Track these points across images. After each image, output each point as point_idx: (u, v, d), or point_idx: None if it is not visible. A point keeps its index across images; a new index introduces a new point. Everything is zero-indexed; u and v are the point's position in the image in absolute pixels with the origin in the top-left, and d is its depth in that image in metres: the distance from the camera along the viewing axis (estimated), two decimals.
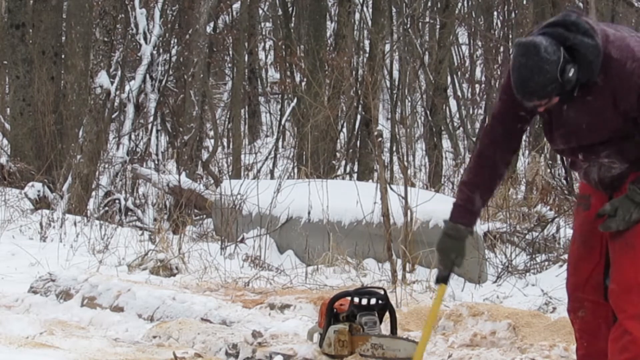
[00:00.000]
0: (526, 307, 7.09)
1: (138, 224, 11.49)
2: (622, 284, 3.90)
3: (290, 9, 19.51)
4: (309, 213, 9.22)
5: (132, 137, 13.57)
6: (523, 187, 13.24)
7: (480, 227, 9.19)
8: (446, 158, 17.58)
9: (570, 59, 3.70)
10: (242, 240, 9.54)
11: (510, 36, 19.89)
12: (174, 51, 15.05)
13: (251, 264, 9.01)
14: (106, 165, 12.37)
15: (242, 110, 19.81)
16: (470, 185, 4.17)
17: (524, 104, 3.85)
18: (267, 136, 21.46)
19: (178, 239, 9.36)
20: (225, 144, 18.92)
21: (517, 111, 4.03)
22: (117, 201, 11.81)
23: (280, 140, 18.41)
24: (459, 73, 23.12)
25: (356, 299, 5.27)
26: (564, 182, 12.15)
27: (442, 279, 4.22)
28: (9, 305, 6.86)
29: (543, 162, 13.78)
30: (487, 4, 21.90)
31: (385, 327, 5.40)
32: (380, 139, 8.65)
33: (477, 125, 20.24)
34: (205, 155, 15.76)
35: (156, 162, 13.71)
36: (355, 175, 15.17)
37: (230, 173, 15.24)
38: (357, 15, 18.99)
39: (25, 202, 11.37)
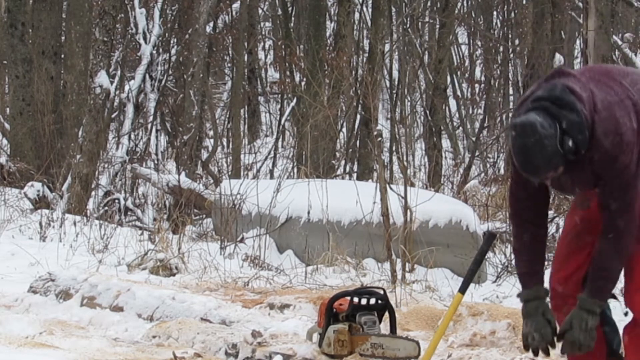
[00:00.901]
0: None
1: (138, 223, 11.49)
2: (637, 283, 4.01)
3: (290, 9, 19.51)
4: (308, 213, 9.22)
5: (132, 136, 13.57)
6: None
7: (480, 227, 9.19)
8: (446, 158, 17.58)
9: (565, 130, 3.75)
10: (241, 240, 9.54)
11: (510, 36, 19.90)
12: (173, 51, 15.04)
13: (251, 264, 9.01)
14: (106, 165, 12.37)
15: (242, 110, 19.80)
16: (522, 253, 4.17)
17: (531, 179, 3.89)
18: (266, 136, 21.46)
19: (178, 238, 9.36)
20: (224, 143, 18.91)
21: (534, 195, 4.07)
22: (116, 201, 11.80)
23: (280, 140, 18.41)
24: (458, 73, 23.12)
25: (355, 299, 5.27)
26: None
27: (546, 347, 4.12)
28: (8, 305, 6.86)
29: None
30: (486, 3, 21.89)
31: (384, 327, 5.40)
32: (379, 138, 8.65)
33: (477, 125, 20.25)
34: (204, 155, 15.76)
35: (156, 161, 13.71)
36: (354, 175, 15.17)
37: (229, 173, 15.23)
38: (357, 15, 18.99)
39: (24, 201, 11.36)
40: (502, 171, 15.97)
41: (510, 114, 4.13)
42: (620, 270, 4.01)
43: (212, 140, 17.20)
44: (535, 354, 4.11)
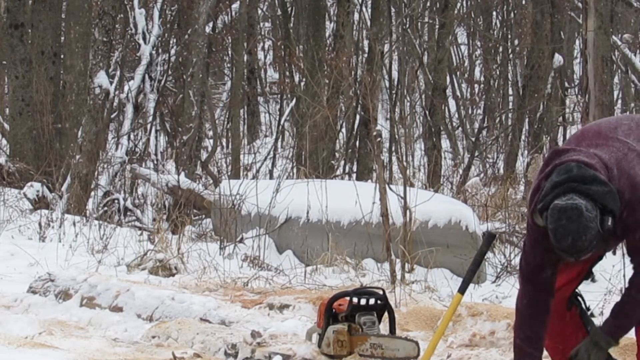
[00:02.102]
0: None
1: (137, 224, 11.49)
2: None
3: (289, 9, 19.51)
4: (307, 213, 9.22)
5: (131, 137, 13.56)
6: (522, 187, 13.25)
7: (479, 227, 9.19)
8: (445, 158, 17.58)
9: (604, 207, 3.79)
10: (241, 240, 9.54)
11: (509, 36, 19.92)
12: (173, 51, 15.04)
13: (250, 264, 9.01)
14: (105, 165, 12.36)
15: (241, 110, 19.79)
16: (528, 353, 4.14)
17: (567, 260, 3.90)
18: (266, 136, 21.46)
19: (177, 239, 9.35)
20: (224, 144, 18.91)
21: (546, 265, 4.06)
22: (116, 201, 11.80)
23: (279, 140, 18.40)
24: (458, 73, 23.13)
25: (355, 299, 5.27)
26: None
27: None
28: (8, 305, 6.86)
29: (542, 162, 13.78)
30: (486, 4, 21.90)
31: (384, 327, 5.40)
32: (379, 139, 8.64)
33: (476, 125, 20.26)
34: (204, 155, 15.75)
35: (155, 162, 13.70)
36: (354, 175, 15.17)
37: (229, 173, 15.23)
38: (356, 16, 18.99)
39: (24, 202, 11.36)
40: (501, 171, 15.99)
41: (535, 202, 4.02)
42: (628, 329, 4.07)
43: (211, 141, 17.20)
44: None
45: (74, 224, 10.21)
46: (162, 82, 14.28)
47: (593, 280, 7.13)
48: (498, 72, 20.48)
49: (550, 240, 3.81)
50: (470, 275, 4.63)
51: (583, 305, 4.32)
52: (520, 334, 4.12)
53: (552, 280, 4.08)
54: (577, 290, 4.32)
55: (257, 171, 15.86)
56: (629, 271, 4.11)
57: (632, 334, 4.24)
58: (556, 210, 3.77)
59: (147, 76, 13.77)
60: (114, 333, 6.24)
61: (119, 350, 5.71)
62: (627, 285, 4.04)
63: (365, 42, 18.96)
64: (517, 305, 4.14)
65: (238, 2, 17.58)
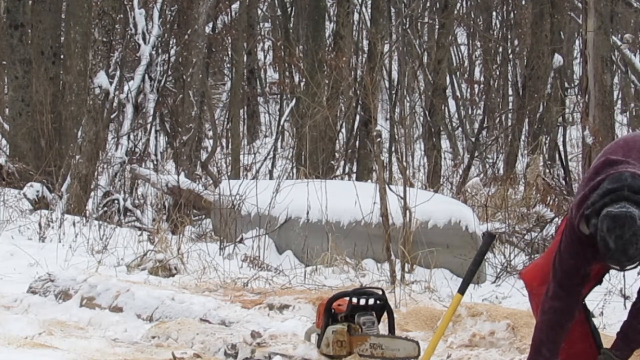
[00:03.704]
0: (525, 308, 7.07)
1: (137, 224, 11.49)
2: None
3: (289, 10, 19.51)
4: (307, 213, 9.21)
5: (131, 137, 13.55)
6: (522, 188, 13.25)
7: (479, 227, 9.20)
8: (445, 158, 17.59)
9: None
10: (241, 241, 9.54)
11: (509, 36, 19.91)
12: (172, 51, 15.04)
13: (250, 264, 9.01)
14: (105, 166, 12.35)
15: (241, 111, 19.80)
16: (546, 356, 4.17)
17: (614, 268, 3.91)
18: (266, 136, 21.46)
19: (177, 239, 9.36)
20: (224, 144, 18.92)
21: (581, 274, 4.08)
22: (116, 201, 11.80)
23: (279, 140, 18.40)
24: (457, 73, 23.13)
25: (354, 299, 5.26)
26: (563, 182, 12.16)
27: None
28: (7, 306, 6.86)
29: (542, 162, 13.80)
30: (486, 4, 21.90)
31: (383, 328, 5.39)
32: (379, 139, 8.65)
33: (476, 125, 20.26)
34: (204, 155, 15.76)
35: (155, 162, 13.69)
36: (354, 176, 15.17)
37: (229, 173, 15.24)
38: (356, 16, 19.00)
39: (24, 202, 11.36)
40: (501, 171, 15.98)
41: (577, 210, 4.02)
42: None
43: (211, 141, 17.21)
44: None
45: (74, 224, 10.21)
46: (162, 82, 14.28)
47: None
48: (498, 73, 20.48)
49: (592, 250, 3.83)
50: (470, 276, 4.64)
51: (589, 312, 4.33)
52: (542, 335, 4.14)
53: (583, 288, 4.12)
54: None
55: (257, 171, 15.86)
56: (629, 272, 4.12)
57: None
58: (609, 217, 3.78)
59: (147, 76, 13.76)
60: (113, 333, 6.23)
61: (119, 350, 5.71)
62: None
63: (365, 43, 18.96)
64: (545, 307, 4.14)
65: (238, 3, 17.60)
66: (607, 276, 4.88)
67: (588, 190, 3.97)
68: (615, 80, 19.95)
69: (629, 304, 6.50)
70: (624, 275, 7.29)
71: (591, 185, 3.97)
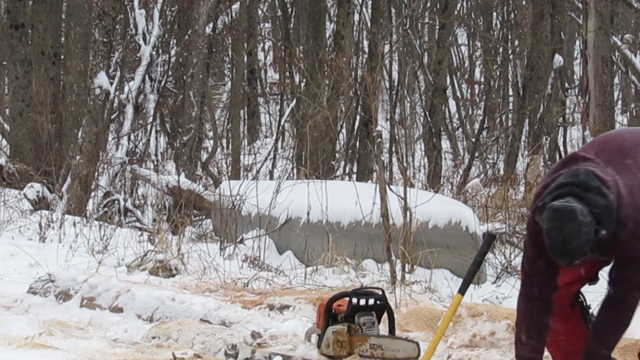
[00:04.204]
0: None
1: (137, 224, 11.49)
2: None
3: (290, 10, 19.51)
4: (308, 214, 9.22)
5: (131, 137, 13.56)
6: (522, 188, 13.25)
7: (479, 228, 9.19)
8: (445, 159, 17.59)
9: (598, 217, 3.79)
10: (241, 241, 9.54)
11: (510, 37, 19.91)
12: (173, 52, 15.04)
13: (250, 265, 9.01)
14: (105, 166, 12.36)
15: (242, 111, 19.80)
16: (529, 344, 4.16)
17: (560, 264, 3.92)
18: (266, 137, 21.46)
19: (177, 239, 9.36)
20: (224, 144, 18.91)
21: (545, 262, 4.06)
22: (116, 202, 11.80)
23: (280, 140, 18.41)
24: (458, 74, 23.13)
25: (354, 300, 5.26)
26: None
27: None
28: (8, 306, 6.86)
29: (542, 163, 13.80)
30: (486, 4, 21.91)
31: (383, 328, 5.39)
32: (379, 139, 8.65)
33: (476, 125, 20.26)
34: (204, 155, 15.75)
35: (155, 162, 13.70)
36: (354, 176, 15.17)
37: (229, 174, 15.23)
38: (357, 16, 18.99)
39: (24, 202, 11.36)
40: (501, 172, 15.98)
41: (539, 201, 4.07)
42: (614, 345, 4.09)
43: (211, 141, 17.20)
44: None
45: (74, 224, 10.21)
46: (162, 82, 14.28)
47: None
48: (498, 73, 20.47)
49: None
50: (471, 276, 4.64)
51: (585, 304, 4.33)
52: (521, 327, 4.15)
53: (553, 277, 4.08)
54: (580, 292, 4.32)
55: (258, 172, 15.86)
56: None
57: (632, 334, 4.25)
58: (551, 210, 3.79)
59: (147, 77, 13.77)
60: (114, 333, 6.24)
61: (119, 350, 5.71)
62: (604, 309, 4.04)
63: (366, 43, 18.95)
64: (518, 299, 4.17)
65: (238, 3, 17.59)
66: (606, 275, 4.84)
67: (548, 181, 3.98)
68: (616, 80, 19.96)
69: None
70: None
71: (553, 177, 3.98)
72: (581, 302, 4.34)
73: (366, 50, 18.20)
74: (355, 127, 16.14)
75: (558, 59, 15.42)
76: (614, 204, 3.82)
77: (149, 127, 14.19)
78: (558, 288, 4.17)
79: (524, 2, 19.41)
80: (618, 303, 3.99)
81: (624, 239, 3.87)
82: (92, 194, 11.85)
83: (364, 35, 19.76)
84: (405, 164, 10.92)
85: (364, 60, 17.40)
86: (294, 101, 16.47)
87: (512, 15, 20.00)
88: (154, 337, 5.99)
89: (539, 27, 15.88)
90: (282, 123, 17.75)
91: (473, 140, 18.38)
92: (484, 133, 18.94)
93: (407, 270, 8.31)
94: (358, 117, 15.87)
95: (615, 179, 3.89)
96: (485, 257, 8.82)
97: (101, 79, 12.08)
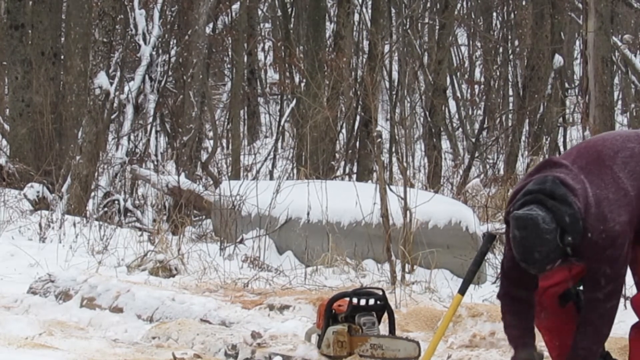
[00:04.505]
0: None
1: (137, 224, 11.49)
2: None
3: (290, 10, 19.50)
4: (308, 214, 9.22)
5: (132, 137, 13.56)
6: None
7: (479, 228, 9.19)
8: (445, 159, 17.58)
9: (562, 225, 3.81)
10: (241, 241, 9.54)
11: (510, 37, 19.91)
12: (173, 52, 15.04)
13: (250, 265, 9.01)
14: (105, 166, 12.36)
15: (242, 111, 19.79)
16: (515, 327, 4.20)
17: (531, 272, 3.95)
18: (266, 137, 21.46)
19: (177, 239, 9.36)
20: (224, 144, 18.90)
21: (521, 281, 4.10)
22: (116, 202, 11.80)
23: (280, 141, 18.40)
24: (458, 74, 23.12)
25: (354, 300, 5.26)
26: None
27: None
28: (8, 306, 6.86)
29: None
30: (486, 4, 21.90)
31: (383, 328, 5.39)
32: (379, 139, 8.65)
33: (476, 125, 20.25)
34: (204, 156, 15.75)
35: (155, 162, 13.70)
36: (354, 176, 15.17)
37: (229, 174, 15.23)
38: (357, 16, 18.99)
39: (24, 202, 11.36)
40: (501, 172, 15.98)
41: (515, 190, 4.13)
42: (597, 354, 4.09)
43: (211, 141, 17.19)
44: None
45: (74, 224, 10.21)
46: (162, 82, 14.28)
47: None
48: (498, 73, 20.46)
49: None
50: (471, 276, 4.64)
51: (581, 303, 4.33)
52: (506, 321, 4.19)
53: (530, 277, 4.09)
54: (574, 287, 4.32)
55: (258, 172, 15.85)
56: (629, 272, 4.11)
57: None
58: (514, 219, 3.83)
59: (147, 77, 13.77)
60: (114, 334, 6.24)
61: (119, 350, 5.71)
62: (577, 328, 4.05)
63: (366, 43, 18.95)
64: (499, 298, 4.22)
65: (238, 3, 17.58)
66: None
67: (519, 187, 4.01)
68: (616, 80, 19.95)
69: (629, 305, 6.51)
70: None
71: (523, 183, 4.00)
72: (578, 299, 4.34)
73: (366, 50, 18.20)
74: (355, 127, 16.14)
75: (558, 59, 15.42)
76: (580, 212, 3.83)
77: (149, 127, 14.19)
78: (546, 288, 4.18)
79: (524, 2, 19.40)
80: (592, 311, 4.01)
81: (589, 247, 3.90)
82: (92, 194, 11.85)
83: (364, 35, 19.75)
84: (405, 164, 10.92)
85: (364, 60, 17.40)
86: (294, 101, 16.47)
87: (512, 15, 19.99)
88: (154, 337, 5.99)
89: (539, 27, 15.88)
90: (282, 123, 17.75)
91: (473, 140, 18.37)
92: (484, 133, 18.94)
93: (407, 270, 8.31)
94: (358, 117, 15.87)
95: (586, 187, 3.90)
96: (485, 257, 8.83)
97: (101, 79, 12.08)
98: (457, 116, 21.18)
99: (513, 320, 4.15)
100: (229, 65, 21.16)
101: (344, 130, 16.82)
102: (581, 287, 4.26)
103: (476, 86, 22.74)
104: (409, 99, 18.78)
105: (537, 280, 4.12)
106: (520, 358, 4.12)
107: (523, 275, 4.05)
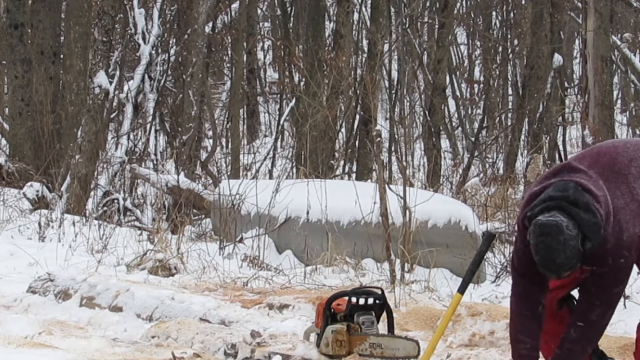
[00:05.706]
0: None
1: (137, 223, 11.49)
2: None
3: (289, 9, 19.51)
4: (307, 213, 9.21)
5: (131, 137, 13.56)
6: (522, 187, 13.24)
7: (479, 227, 9.19)
8: (445, 158, 17.58)
9: (584, 232, 3.82)
10: (240, 240, 9.54)
11: (509, 36, 19.91)
12: (172, 51, 15.04)
13: (250, 264, 9.01)
14: (105, 165, 12.36)
15: (241, 110, 19.80)
16: (524, 342, 4.17)
17: (549, 277, 3.95)
18: (265, 136, 21.47)
19: (177, 239, 9.35)
20: (223, 143, 18.91)
21: (536, 279, 4.09)
22: (115, 201, 11.80)
23: (279, 140, 18.40)
24: (457, 73, 23.13)
25: (353, 299, 5.26)
26: None
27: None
28: (7, 305, 6.86)
29: (542, 162, 13.79)
30: (485, 4, 21.90)
31: (382, 327, 5.39)
32: (379, 138, 8.65)
33: (476, 125, 20.26)
34: (203, 155, 15.75)
35: (155, 162, 13.70)
36: (354, 175, 15.17)
37: (228, 173, 15.23)
38: (356, 15, 18.99)
39: (23, 202, 11.36)
40: (501, 171, 15.98)
41: (526, 210, 4.11)
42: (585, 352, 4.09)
43: (211, 141, 17.20)
44: None
45: (74, 224, 10.21)
46: (162, 82, 14.28)
47: None
48: (497, 72, 20.47)
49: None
50: (470, 275, 4.64)
51: (574, 305, 4.34)
52: (516, 326, 4.15)
53: (545, 278, 4.08)
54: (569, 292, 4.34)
55: (257, 171, 15.86)
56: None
57: (631, 333, 4.25)
58: (537, 226, 3.81)
59: (146, 76, 13.77)
60: (113, 333, 6.24)
61: (119, 350, 5.71)
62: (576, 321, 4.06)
63: (365, 42, 18.95)
64: (511, 299, 4.17)
65: (238, 2, 17.59)
66: None
67: (539, 188, 3.99)
68: (615, 79, 19.95)
69: (629, 304, 6.52)
70: None
71: (541, 187, 3.99)
72: (571, 302, 4.35)
73: (365, 49, 18.20)
74: (355, 126, 16.14)
75: (557, 59, 15.42)
76: (602, 220, 3.85)
77: (148, 126, 14.18)
78: (551, 290, 4.18)
79: (523, 2, 19.41)
80: (583, 318, 4.01)
81: (600, 254, 3.90)
82: (92, 193, 11.85)
83: (364, 34, 19.76)
84: (404, 163, 10.92)
85: (364, 59, 17.40)
86: (294, 100, 16.47)
87: (512, 14, 19.99)
88: (153, 337, 5.99)
89: (539, 27, 15.88)
90: (281, 122, 17.75)
91: (472, 139, 18.38)
92: (484, 132, 18.95)
93: (406, 269, 8.31)
94: (357, 117, 15.87)
95: (606, 195, 3.91)
96: (485, 257, 8.83)
97: (101, 79, 12.08)
98: (456, 115, 21.18)
99: (523, 333, 4.13)
100: (228, 65, 21.17)
101: (343, 130, 16.83)
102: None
103: (475, 85, 22.75)
104: (408, 98, 18.78)
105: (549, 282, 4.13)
106: None
107: (536, 274, 4.05)
